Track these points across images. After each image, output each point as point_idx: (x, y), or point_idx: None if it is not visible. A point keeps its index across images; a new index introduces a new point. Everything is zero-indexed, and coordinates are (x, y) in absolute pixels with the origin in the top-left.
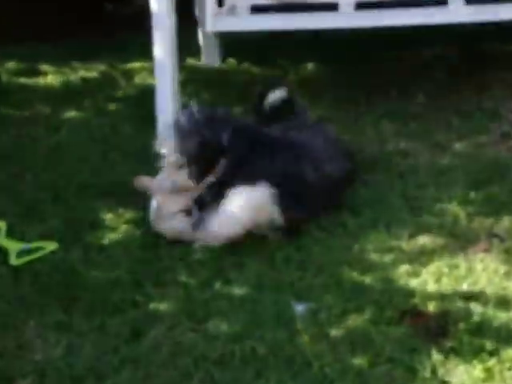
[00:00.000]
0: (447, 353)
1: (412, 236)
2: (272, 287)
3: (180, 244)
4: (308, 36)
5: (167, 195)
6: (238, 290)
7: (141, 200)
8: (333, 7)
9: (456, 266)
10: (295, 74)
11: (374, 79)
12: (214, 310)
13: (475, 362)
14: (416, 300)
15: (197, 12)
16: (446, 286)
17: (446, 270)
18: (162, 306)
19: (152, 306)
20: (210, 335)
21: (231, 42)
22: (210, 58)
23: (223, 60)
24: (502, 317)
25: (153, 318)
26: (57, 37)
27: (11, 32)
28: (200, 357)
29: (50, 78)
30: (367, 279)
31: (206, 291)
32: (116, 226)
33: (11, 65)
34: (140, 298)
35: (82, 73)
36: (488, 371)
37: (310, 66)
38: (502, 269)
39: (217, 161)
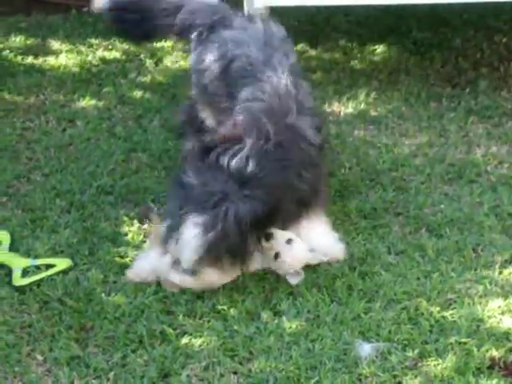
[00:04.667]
0: None
1: (506, 263)
2: (331, 322)
3: None
4: (374, 13)
5: None
6: (289, 324)
7: None
8: None
9: None
10: (361, 58)
11: (457, 65)
12: (259, 348)
13: None
14: None
15: None
16: None
17: None
18: (197, 341)
19: (184, 340)
20: (255, 378)
21: (282, 20)
22: None
23: None
24: None
25: (185, 354)
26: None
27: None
28: None
29: (63, 57)
30: (450, 316)
31: (251, 324)
32: (140, 240)
33: (16, 41)
34: (170, 331)
35: (101, 52)
36: None
37: (380, 49)
38: None
39: None
